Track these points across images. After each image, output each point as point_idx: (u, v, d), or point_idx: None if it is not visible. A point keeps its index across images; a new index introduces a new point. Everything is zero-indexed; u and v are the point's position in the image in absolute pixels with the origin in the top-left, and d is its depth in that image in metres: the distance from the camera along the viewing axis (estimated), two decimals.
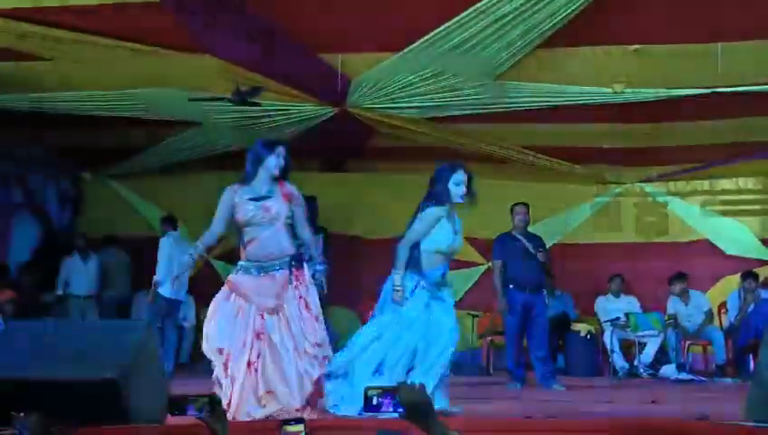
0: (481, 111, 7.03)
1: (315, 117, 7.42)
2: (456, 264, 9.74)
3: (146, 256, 9.23)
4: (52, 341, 3.79)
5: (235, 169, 9.35)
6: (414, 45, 5.78)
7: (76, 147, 8.91)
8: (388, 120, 7.43)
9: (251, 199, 4.33)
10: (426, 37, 5.64)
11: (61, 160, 9.61)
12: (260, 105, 6.89)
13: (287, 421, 2.51)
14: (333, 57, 6.15)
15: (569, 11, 5.16)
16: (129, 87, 6.75)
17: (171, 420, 3.94)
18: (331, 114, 7.28)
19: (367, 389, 2.21)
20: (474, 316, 9.08)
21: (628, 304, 8.71)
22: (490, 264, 9.04)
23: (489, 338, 8.64)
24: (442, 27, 5.48)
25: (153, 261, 8.76)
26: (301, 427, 2.45)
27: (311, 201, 9.09)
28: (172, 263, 7.73)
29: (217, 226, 4.41)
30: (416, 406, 2.12)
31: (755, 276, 8.56)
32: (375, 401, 2.16)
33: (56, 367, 3.56)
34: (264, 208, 4.31)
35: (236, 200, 4.34)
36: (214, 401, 2.38)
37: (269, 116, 7.40)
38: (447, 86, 6.54)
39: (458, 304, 9.55)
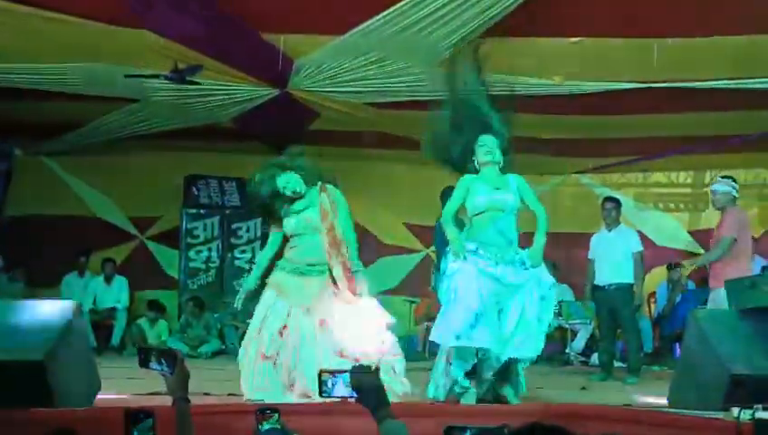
0: (423, 97, 7.03)
1: (256, 98, 7.30)
2: (393, 250, 9.89)
3: (75, 237, 9.03)
4: None
5: (174, 149, 9.37)
6: (359, 29, 5.73)
7: (6, 122, 8.57)
8: (330, 104, 7.37)
9: None
10: (370, 21, 5.60)
11: None
12: (199, 84, 6.74)
13: (263, 409, 2.48)
14: (276, 38, 6.06)
15: (512, 0, 5.20)
16: (63, 60, 6.51)
17: (98, 402, 3.88)
18: (273, 96, 7.18)
19: (321, 371, 2.20)
20: (411, 302, 9.14)
21: (561, 292, 8.88)
22: (428, 250, 9.13)
23: (425, 324, 8.69)
24: (386, 12, 5.45)
25: (82, 241, 8.53)
26: (275, 416, 2.42)
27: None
28: None
29: None
30: (366, 389, 2.11)
31: (681, 268, 8.82)
32: (329, 384, 2.15)
33: None
34: None
35: None
36: (175, 356, 2.32)
37: (209, 95, 7.25)
38: (391, 72, 6.52)
39: (395, 290, 9.72)
